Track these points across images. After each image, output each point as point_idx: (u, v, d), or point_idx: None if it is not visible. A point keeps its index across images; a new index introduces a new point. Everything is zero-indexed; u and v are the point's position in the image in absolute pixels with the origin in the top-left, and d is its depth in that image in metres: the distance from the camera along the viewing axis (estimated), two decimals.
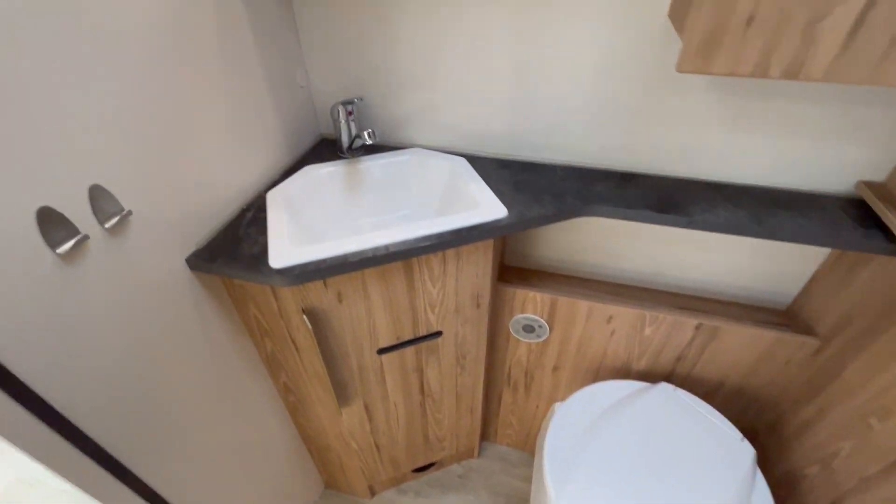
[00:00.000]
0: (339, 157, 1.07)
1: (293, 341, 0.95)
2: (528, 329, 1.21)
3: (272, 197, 0.92)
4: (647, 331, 1.11)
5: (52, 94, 0.55)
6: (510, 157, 1.08)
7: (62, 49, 0.56)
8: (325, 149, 1.13)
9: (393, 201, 1.09)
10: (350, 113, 1.00)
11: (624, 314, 1.09)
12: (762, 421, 1.18)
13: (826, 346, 0.97)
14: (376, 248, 0.79)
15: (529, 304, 1.15)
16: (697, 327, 1.06)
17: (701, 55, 0.63)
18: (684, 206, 0.90)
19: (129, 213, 0.65)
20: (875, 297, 0.86)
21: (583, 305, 1.11)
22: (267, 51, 0.93)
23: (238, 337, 0.95)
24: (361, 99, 1.03)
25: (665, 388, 1.05)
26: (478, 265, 0.94)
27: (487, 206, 0.88)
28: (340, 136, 1.03)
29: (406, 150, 1.09)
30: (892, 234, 0.80)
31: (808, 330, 1.03)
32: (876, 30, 0.56)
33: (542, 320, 1.18)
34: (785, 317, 1.10)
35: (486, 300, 1.03)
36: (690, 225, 0.87)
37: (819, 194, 0.93)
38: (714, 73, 0.64)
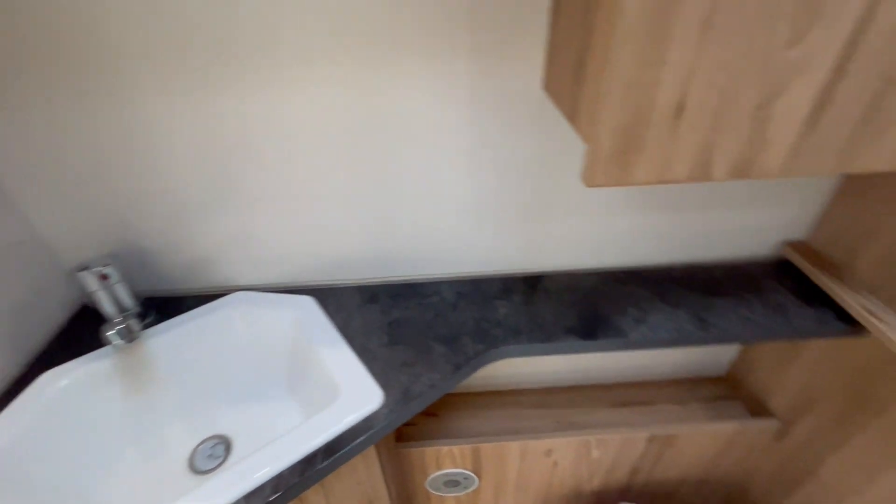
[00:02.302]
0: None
1: None
2: (452, 484, 0.91)
3: None
4: (595, 454, 0.88)
5: None
6: (378, 281, 0.79)
7: None
8: (89, 325, 0.72)
9: (215, 386, 0.72)
10: (105, 277, 0.62)
11: (564, 445, 0.85)
12: None
13: (789, 428, 0.82)
14: None
15: (446, 460, 0.86)
16: (650, 440, 0.85)
17: (617, 163, 0.41)
18: (612, 318, 0.68)
19: None
20: (836, 379, 0.72)
21: (513, 447, 0.84)
22: None
23: None
24: (108, 265, 0.62)
25: None
26: (357, 473, 0.62)
27: (352, 392, 0.57)
28: (103, 309, 0.64)
29: (221, 302, 0.73)
30: (841, 310, 0.67)
31: (760, 407, 0.88)
32: (846, 105, 0.38)
33: (467, 472, 0.89)
34: (727, 385, 0.96)
35: (384, 501, 0.71)
36: (628, 346, 0.65)
37: (741, 262, 0.79)
38: (638, 182, 0.42)
